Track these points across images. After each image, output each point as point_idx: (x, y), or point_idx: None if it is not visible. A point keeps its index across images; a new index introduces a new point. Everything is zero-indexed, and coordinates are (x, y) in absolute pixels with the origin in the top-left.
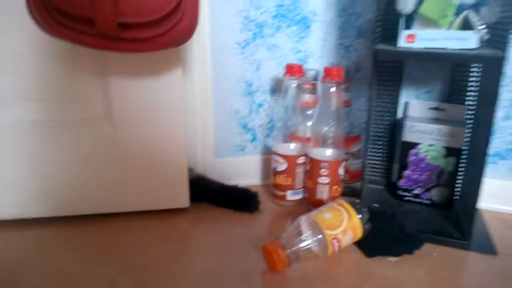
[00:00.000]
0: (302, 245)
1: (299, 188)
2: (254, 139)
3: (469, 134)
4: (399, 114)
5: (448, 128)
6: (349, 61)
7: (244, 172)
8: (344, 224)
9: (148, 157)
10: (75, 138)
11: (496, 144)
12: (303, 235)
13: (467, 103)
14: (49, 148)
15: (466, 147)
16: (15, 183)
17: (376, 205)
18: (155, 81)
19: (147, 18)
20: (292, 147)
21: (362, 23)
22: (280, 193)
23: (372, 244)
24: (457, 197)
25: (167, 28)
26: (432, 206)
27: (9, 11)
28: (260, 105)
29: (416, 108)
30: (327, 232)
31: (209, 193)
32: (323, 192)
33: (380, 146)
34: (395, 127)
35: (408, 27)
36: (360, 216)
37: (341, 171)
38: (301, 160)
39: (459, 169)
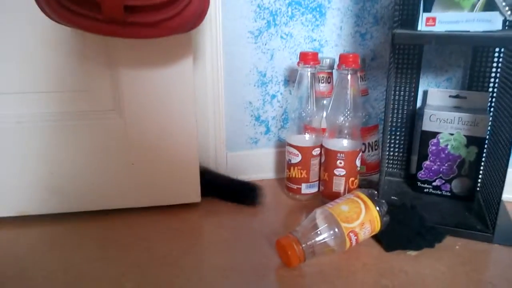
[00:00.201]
0: (317, 239)
1: (314, 181)
2: (267, 131)
3: (491, 123)
4: (418, 103)
5: (470, 116)
6: (366, 49)
7: (258, 165)
8: (362, 217)
9: (158, 150)
10: (83, 130)
11: None
12: (319, 229)
13: (489, 90)
14: (56, 141)
15: (488, 136)
16: (22, 179)
17: (394, 198)
18: (165, 71)
19: (154, 0)
20: (306, 138)
21: (379, 9)
22: (295, 186)
23: (391, 237)
24: (479, 188)
25: (176, 11)
26: (453, 198)
27: (17, 3)
28: (273, 96)
29: (435, 97)
30: (344, 225)
31: (209, 185)
32: (339, 185)
33: (398, 137)
34: (414, 116)
35: (427, 10)
36: (378, 208)
37: (358, 162)
38: (316, 151)
39: (481, 159)
